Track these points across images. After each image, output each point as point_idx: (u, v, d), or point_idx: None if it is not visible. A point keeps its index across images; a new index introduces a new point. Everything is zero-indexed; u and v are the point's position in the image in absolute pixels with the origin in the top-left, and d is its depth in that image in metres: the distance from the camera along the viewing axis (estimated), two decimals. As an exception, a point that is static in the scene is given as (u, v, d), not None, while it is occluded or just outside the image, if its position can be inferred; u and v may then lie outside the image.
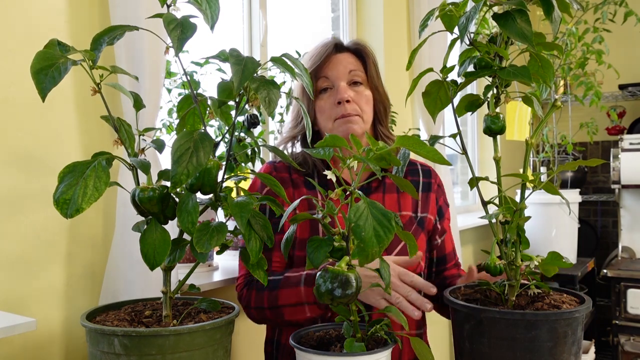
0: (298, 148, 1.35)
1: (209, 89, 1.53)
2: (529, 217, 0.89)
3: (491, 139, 0.92)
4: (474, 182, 0.91)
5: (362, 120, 1.26)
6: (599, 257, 3.75)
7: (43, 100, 0.72)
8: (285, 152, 1.34)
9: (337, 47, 1.30)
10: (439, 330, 2.68)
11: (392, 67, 2.40)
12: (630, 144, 3.24)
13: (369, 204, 0.76)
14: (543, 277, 0.95)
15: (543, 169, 3.13)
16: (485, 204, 0.92)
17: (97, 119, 1.10)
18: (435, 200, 1.35)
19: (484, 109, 0.91)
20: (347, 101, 1.24)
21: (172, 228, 0.88)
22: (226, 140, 1.07)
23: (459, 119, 0.93)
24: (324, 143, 0.83)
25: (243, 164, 1.49)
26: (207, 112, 0.87)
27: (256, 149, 1.52)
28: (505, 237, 0.90)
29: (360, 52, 1.31)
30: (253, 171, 1.48)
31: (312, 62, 1.29)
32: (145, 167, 0.85)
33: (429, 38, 0.94)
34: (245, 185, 1.53)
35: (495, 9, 0.83)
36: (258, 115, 1.55)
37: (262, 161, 1.52)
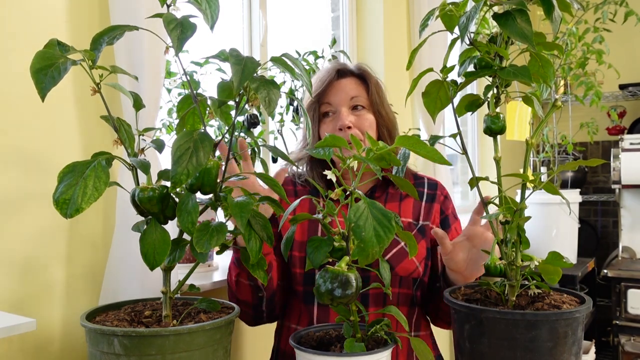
0: (303, 167, 1.36)
1: (209, 89, 1.53)
2: (529, 217, 0.89)
3: (491, 139, 0.92)
4: (474, 182, 0.91)
5: (363, 145, 1.27)
6: (599, 257, 3.75)
7: (43, 100, 0.72)
8: (290, 169, 1.37)
9: (340, 73, 1.33)
10: (439, 330, 2.68)
11: (392, 67, 2.40)
12: (631, 144, 3.24)
13: (369, 204, 0.76)
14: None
15: (543, 169, 3.13)
16: (485, 204, 0.92)
17: (97, 119, 1.10)
18: (439, 211, 1.34)
19: (484, 109, 0.91)
20: (349, 127, 1.26)
21: (172, 228, 0.88)
22: (226, 140, 1.07)
23: (459, 119, 0.93)
24: (323, 143, 0.83)
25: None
26: (207, 112, 0.87)
27: (256, 149, 1.52)
28: (506, 237, 0.90)
29: (363, 77, 1.34)
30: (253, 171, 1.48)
31: (315, 88, 1.31)
32: (145, 167, 0.85)
33: (429, 38, 0.94)
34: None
35: (496, 8, 0.83)
36: (258, 115, 1.55)
37: (262, 161, 1.52)
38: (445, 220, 1.35)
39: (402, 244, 1.23)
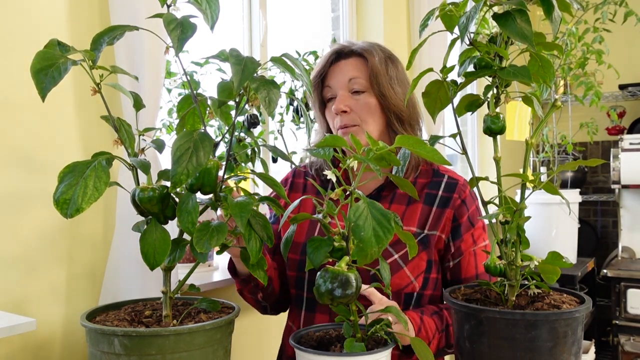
0: None
1: (209, 89, 1.54)
2: (529, 217, 0.89)
3: (491, 139, 0.91)
4: (474, 182, 0.91)
5: (362, 130, 1.19)
6: (599, 257, 3.75)
7: (43, 100, 0.72)
8: (309, 159, 1.33)
9: (340, 54, 1.24)
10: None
11: (392, 67, 2.40)
12: (630, 144, 3.24)
13: (369, 204, 0.76)
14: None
15: (543, 169, 3.13)
16: (485, 204, 0.92)
17: (97, 119, 1.10)
18: (451, 218, 1.20)
19: (484, 109, 0.91)
20: (345, 111, 1.19)
21: (172, 228, 0.88)
22: (226, 140, 1.07)
23: (459, 119, 0.93)
24: (323, 143, 0.83)
25: (243, 164, 1.49)
26: (207, 112, 0.87)
27: (256, 149, 1.52)
28: (505, 237, 0.90)
29: (364, 57, 1.22)
30: (253, 171, 1.48)
31: (316, 70, 1.25)
32: (145, 167, 0.85)
33: (429, 38, 0.94)
34: (245, 185, 1.53)
35: (495, 8, 0.83)
36: (258, 115, 1.55)
37: (262, 161, 1.52)
38: (456, 229, 1.21)
39: (396, 256, 1.15)
